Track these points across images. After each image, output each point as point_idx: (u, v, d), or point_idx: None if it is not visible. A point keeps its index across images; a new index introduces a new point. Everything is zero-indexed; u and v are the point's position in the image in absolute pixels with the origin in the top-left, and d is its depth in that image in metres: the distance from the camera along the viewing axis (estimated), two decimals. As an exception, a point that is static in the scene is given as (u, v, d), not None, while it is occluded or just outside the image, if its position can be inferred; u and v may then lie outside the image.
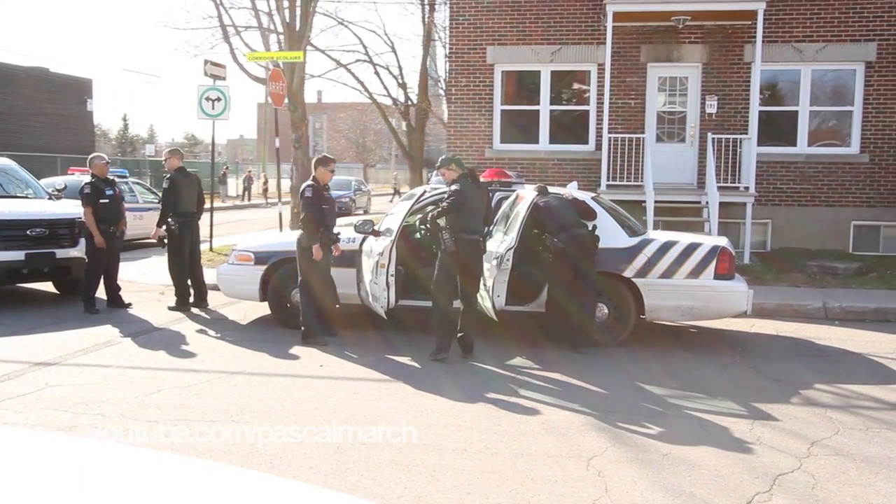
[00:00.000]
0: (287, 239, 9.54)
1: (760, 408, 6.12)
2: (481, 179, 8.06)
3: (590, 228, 8.00)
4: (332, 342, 8.10)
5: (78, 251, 10.24)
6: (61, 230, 10.23)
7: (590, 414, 5.91)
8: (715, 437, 5.44)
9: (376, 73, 24.81)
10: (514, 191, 8.72)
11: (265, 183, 41.86)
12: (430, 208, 8.36)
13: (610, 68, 13.87)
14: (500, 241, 7.95)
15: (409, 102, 25.37)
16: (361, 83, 23.99)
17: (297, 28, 15.31)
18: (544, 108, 15.33)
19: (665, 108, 15.12)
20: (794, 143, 14.65)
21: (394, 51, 27.61)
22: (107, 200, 9.73)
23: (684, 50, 14.69)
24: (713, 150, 13.65)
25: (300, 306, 8.22)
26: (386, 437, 5.36)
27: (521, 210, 7.93)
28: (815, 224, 14.42)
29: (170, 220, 9.80)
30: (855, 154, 14.44)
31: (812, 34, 14.29)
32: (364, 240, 8.54)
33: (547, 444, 5.27)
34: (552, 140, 15.34)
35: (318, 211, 8.12)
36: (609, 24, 13.65)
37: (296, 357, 7.60)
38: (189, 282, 10.05)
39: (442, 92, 28.49)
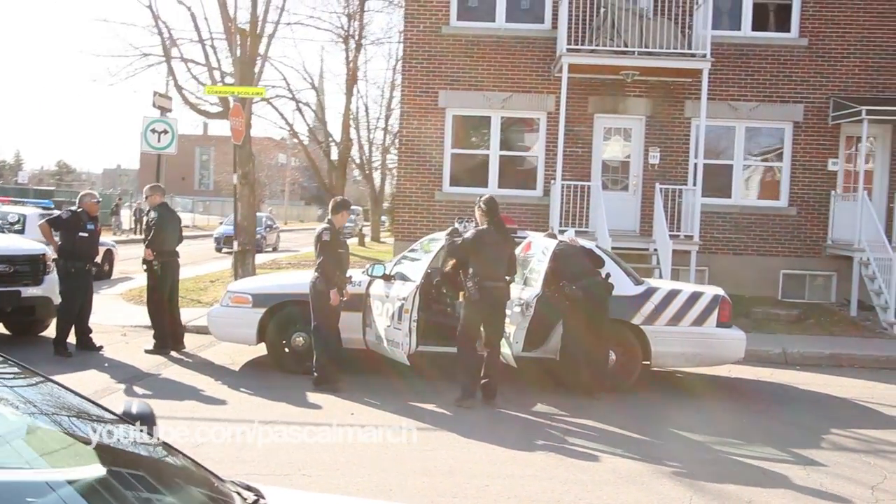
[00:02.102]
0: (287, 281, 9.31)
1: (801, 453, 6.41)
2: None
3: (603, 276, 8.20)
4: (345, 388, 7.90)
5: (42, 290, 9.60)
6: (26, 267, 9.56)
7: (650, 462, 6.02)
8: (781, 483, 5.66)
9: (298, 109, 24.60)
10: (522, 238, 8.81)
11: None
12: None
13: (564, 117, 14.27)
14: (522, 288, 8.01)
15: (332, 140, 25.21)
16: (285, 118, 23.73)
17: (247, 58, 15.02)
18: (494, 153, 15.60)
19: (610, 157, 15.70)
20: (729, 195, 15.49)
21: (315, 88, 27.45)
22: (86, 234, 9.20)
23: (629, 103, 15.34)
24: (661, 199, 14.23)
25: (315, 351, 7.99)
26: (472, 489, 5.28)
27: (543, 257, 8.04)
28: (748, 272, 15.20)
29: (153, 260, 9.37)
30: (784, 207, 15.41)
31: (746, 94, 15.24)
32: (370, 283, 8.43)
33: (633, 494, 5.34)
34: (501, 185, 15.58)
35: (335, 255, 7.97)
36: (564, 75, 14.08)
37: (320, 405, 7.36)
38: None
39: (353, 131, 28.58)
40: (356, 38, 24.67)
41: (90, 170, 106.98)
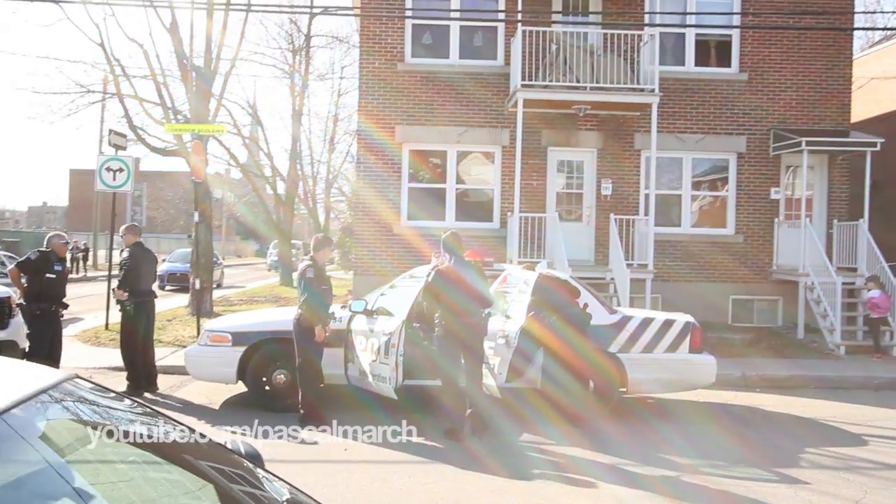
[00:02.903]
0: (267, 318, 9.27)
1: (784, 473, 6.70)
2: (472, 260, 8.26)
3: (581, 306, 8.42)
4: (331, 424, 7.91)
5: (7, 334, 9.37)
6: (-12, 311, 9.33)
7: (647, 488, 6.20)
8: (774, 502, 5.89)
9: (244, 144, 24.46)
10: (498, 271, 9.00)
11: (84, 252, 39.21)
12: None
13: (520, 150, 14.56)
14: (504, 321, 8.17)
15: (278, 174, 25.14)
16: (231, 153, 23.53)
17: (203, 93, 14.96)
18: (451, 186, 15.84)
19: (563, 189, 16.07)
20: (679, 224, 16.02)
21: (259, 124, 27.28)
22: (53, 276, 9.05)
23: (581, 136, 15.78)
24: (616, 229, 14.63)
25: (300, 388, 8.00)
26: (484, 520, 5.38)
27: (525, 287, 8.22)
28: (699, 298, 15.62)
29: (125, 301, 9.25)
30: (731, 235, 16.00)
31: (692, 126, 15.85)
32: (351, 319, 8.49)
33: (638, 519, 5.51)
34: (458, 217, 15.81)
35: (319, 291, 8.02)
36: (519, 109, 14.42)
37: (313, 442, 7.36)
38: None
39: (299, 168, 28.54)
40: (302, 73, 24.80)
41: (14, 207, 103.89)
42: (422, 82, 15.66)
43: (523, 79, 14.57)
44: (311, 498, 2.62)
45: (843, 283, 14.08)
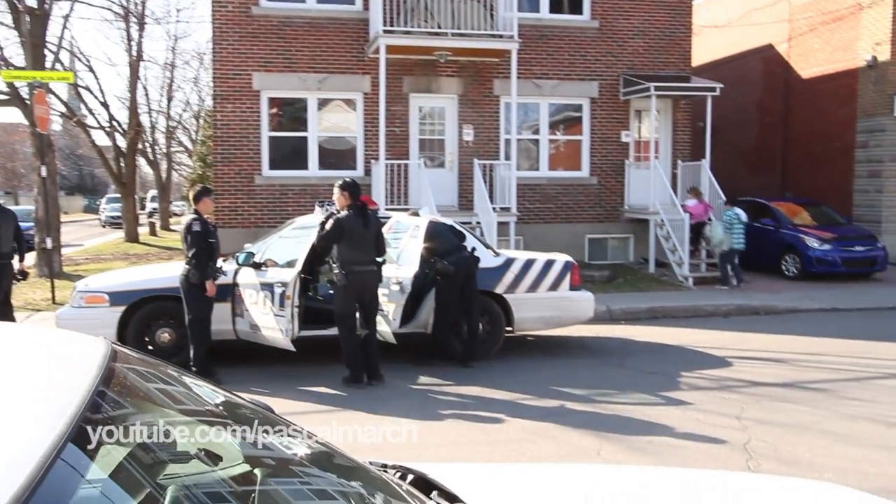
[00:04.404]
0: (148, 276, 8.83)
1: (669, 396, 7.23)
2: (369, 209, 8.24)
3: (469, 250, 8.60)
4: (226, 380, 7.75)
5: None
6: None
7: (549, 419, 6.51)
8: (668, 423, 6.36)
9: (78, 94, 22.81)
10: (385, 219, 8.99)
11: None
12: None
13: (384, 97, 14.47)
14: (397, 268, 8.22)
15: (115, 124, 23.69)
16: (65, 103, 21.89)
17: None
18: (312, 134, 15.55)
19: (426, 136, 16.16)
20: (537, 168, 16.54)
21: (92, 71, 25.43)
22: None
23: (442, 82, 15.87)
24: (481, 175, 14.93)
25: (192, 345, 7.74)
26: (409, 459, 5.48)
27: (417, 231, 8.29)
28: (558, 238, 16.26)
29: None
30: (586, 177, 16.70)
31: (548, 72, 16.29)
32: (237, 272, 8.28)
33: (551, 447, 5.81)
34: (322, 166, 15.60)
35: (207, 245, 7.74)
36: (382, 55, 14.29)
37: (210, 399, 7.18)
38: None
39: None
40: (138, 16, 23.28)
41: None
42: (278, 27, 15.16)
43: (384, 24, 14.41)
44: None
45: (690, 219, 15.08)
